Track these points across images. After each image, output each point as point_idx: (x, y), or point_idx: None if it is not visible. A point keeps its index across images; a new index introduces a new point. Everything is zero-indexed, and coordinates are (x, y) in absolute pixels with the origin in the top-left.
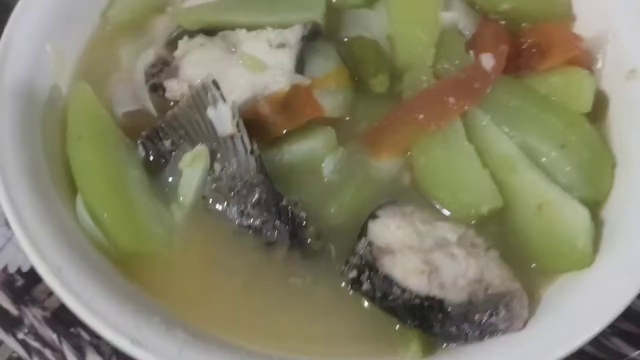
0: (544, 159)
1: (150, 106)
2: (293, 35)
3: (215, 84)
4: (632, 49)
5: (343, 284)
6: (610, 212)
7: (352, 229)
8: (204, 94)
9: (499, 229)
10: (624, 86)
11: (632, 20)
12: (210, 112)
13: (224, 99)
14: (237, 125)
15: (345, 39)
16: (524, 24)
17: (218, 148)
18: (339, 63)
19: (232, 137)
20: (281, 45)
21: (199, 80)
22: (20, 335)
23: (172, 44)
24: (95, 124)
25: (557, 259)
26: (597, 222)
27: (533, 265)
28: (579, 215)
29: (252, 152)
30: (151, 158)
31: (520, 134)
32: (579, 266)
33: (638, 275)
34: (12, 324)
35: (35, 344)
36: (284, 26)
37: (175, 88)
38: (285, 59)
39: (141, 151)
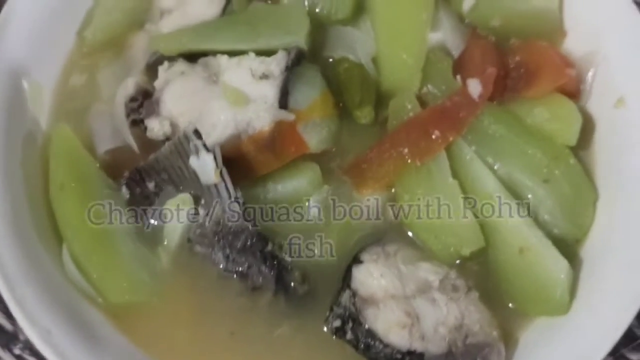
0: (526, 193)
1: (132, 142)
2: (276, 65)
3: (197, 133)
4: (621, 75)
5: (327, 329)
6: (590, 250)
7: (337, 267)
8: (186, 143)
9: (480, 268)
10: (611, 114)
11: (623, 44)
12: (193, 161)
13: (206, 149)
14: (221, 174)
15: (330, 60)
16: (513, 40)
17: (202, 194)
18: (324, 89)
19: (215, 185)
20: (264, 77)
21: (181, 128)
22: (17, 351)
23: (152, 68)
24: (77, 170)
25: (535, 303)
26: (576, 262)
27: (511, 305)
28: (559, 266)
29: (236, 199)
30: (135, 200)
31: (505, 166)
32: (555, 313)
33: (611, 332)
34: (7, 340)
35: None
36: (267, 52)
37: (156, 128)
38: (269, 92)
39: (125, 193)
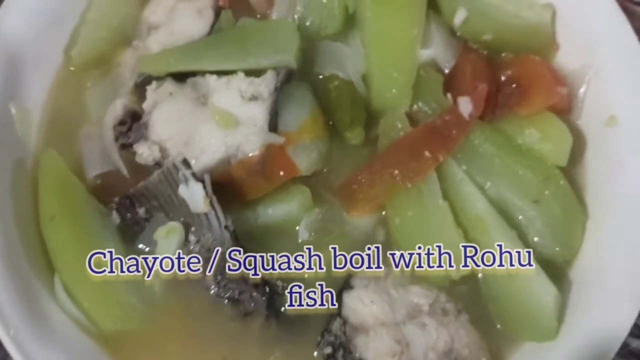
0: (516, 213)
1: (121, 166)
2: (265, 87)
3: (185, 163)
4: (613, 93)
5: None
6: (579, 271)
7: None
8: (175, 173)
9: (470, 290)
10: (602, 132)
11: (616, 61)
12: (182, 191)
13: (195, 178)
14: (211, 202)
15: (320, 76)
16: (505, 54)
17: (192, 221)
18: (314, 109)
19: (205, 213)
20: (253, 98)
21: (170, 153)
22: None
23: (140, 88)
24: (67, 199)
25: (523, 329)
26: (565, 284)
27: (499, 326)
28: (548, 293)
29: (226, 227)
30: (126, 225)
31: (495, 186)
32: (544, 339)
33: (601, 357)
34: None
35: None
36: (257, 72)
37: (145, 153)
38: (258, 114)
39: (115, 218)
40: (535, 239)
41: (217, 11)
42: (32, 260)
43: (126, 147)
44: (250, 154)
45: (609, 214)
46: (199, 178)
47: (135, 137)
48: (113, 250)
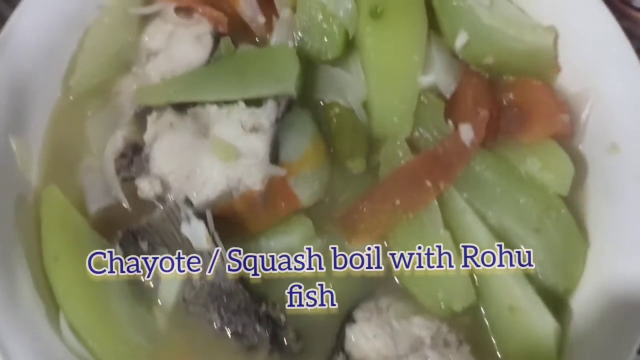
0: (517, 242)
1: (124, 200)
2: (266, 118)
3: (187, 202)
4: (615, 119)
5: None
6: (580, 300)
7: (331, 323)
8: (177, 211)
9: (471, 320)
10: (604, 159)
11: (617, 87)
12: (185, 229)
13: (197, 216)
14: (213, 239)
15: (321, 102)
16: (506, 77)
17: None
18: (315, 138)
19: (208, 250)
20: (254, 130)
21: (172, 187)
22: None
23: (140, 117)
24: (70, 237)
25: None
26: (566, 313)
27: (500, 357)
28: (548, 326)
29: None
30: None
31: (496, 214)
32: None
33: None
34: None
35: None
36: (257, 100)
37: (147, 188)
38: (259, 146)
39: (119, 252)
40: (537, 267)
41: (217, 37)
42: (37, 297)
43: (127, 180)
44: (252, 187)
45: (610, 243)
46: (200, 216)
47: (137, 171)
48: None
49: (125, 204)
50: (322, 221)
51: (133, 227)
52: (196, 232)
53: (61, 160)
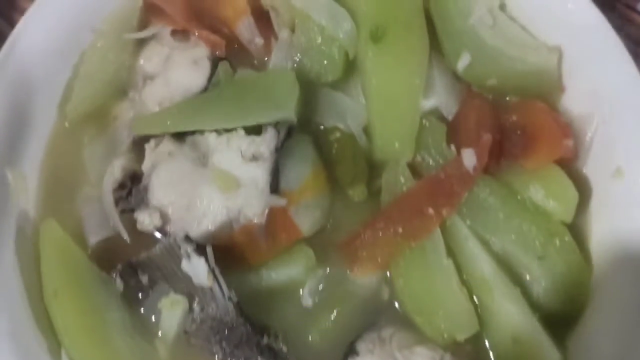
0: (521, 270)
1: (123, 232)
2: (266, 146)
3: (187, 239)
4: (619, 144)
5: None
6: (585, 328)
7: (334, 355)
8: (177, 248)
9: (474, 349)
10: (608, 183)
11: (622, 111)
12: (185, 265)
13: (197, 254)
14: (214, 275)
15: (321, 127)
16: (509, 97)
17: (196, 292)
18: (315, 164)
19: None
20: (254, 159)
21: (171, 218)
22: None
23: (138, 145)
24: (69, 272)
25: None
26: (571, 340)
27: None
28: (552, 357)
29: (230, 298)
30: (130, 291)
31: (500, 241)
32: None
33: None
34: None
35: None
36: (257, 128)
37: (146, 221)
38: (259, 175)
39: (119, 284)
40: (540, 294)
41: (214, 61)
42: (38, 333)
43: (127, 212)
44: (252, 219)
45: (613, 270)
46: (201, 252)
47: (136, 202)
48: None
49: (125, 236)
50: (324, 248)
51: (133, 260)
52: (197, 269)
53: (59, 191)
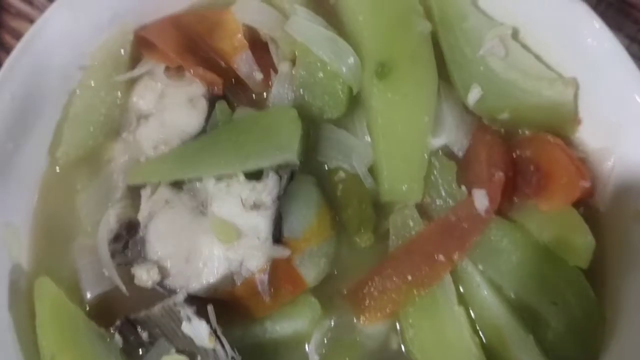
0: (535, 315)
1: (121, 285)
2: (268, 194)
3: (187, 301)
4: (638, 184)
5: None
6: None
7: None
8: (177, 311)
9: None
10: (627, 226)
11: None
12: (186, 327)
13: (198, 316)
14: (216, 335)
15: (326, 167)
16: (522, 130)
17: (198, 351)
18: (320, 207)
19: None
20: (255, 207)
21: (170, 272)
22: None
23: (133, 190)
24: (66, 332)
25: None
26: None
27: None
28: None
29: (233, 358)
30: (129, 346)
31: (513, 286)
32: None
33: None
34: None
35: None
36: (258, 172)
37: (144, 277)
38: (261, 224)
39: (118, 340)
40: (554, 340)
41: (211, 100)
42: None
43: (124, 265)
44: (255, 271)
45: (630, 315)
46: (202, 316)
47: (133, 256)
48: None
49: (123, 289)
50: (330, 296)
51: (131, 317)
52: (198, 331)
53: (53, 242)
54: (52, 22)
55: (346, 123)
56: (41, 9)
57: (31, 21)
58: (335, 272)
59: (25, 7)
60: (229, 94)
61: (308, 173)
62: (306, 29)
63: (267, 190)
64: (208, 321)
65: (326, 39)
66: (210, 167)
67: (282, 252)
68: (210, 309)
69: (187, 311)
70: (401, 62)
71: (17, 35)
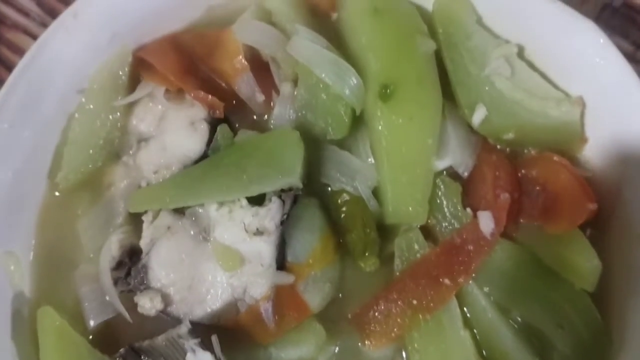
0: (541, 338)
1: (124, 312)
2: (271, 219)
3: (191, 332)
4: None
5: None
6: None
7: None
8: (182, 343)
9: None
10: (634, 247)
11: None
12: (191, 359)
13: (202, 348)
14: None
15: (329, 189)
16: (528, 150)
17: None
18: (323, 231)
19: None
20: (259, 233)
21: (173, 300)
22: None
23: (135, 215)
24: None
25: None
26: None
27: None
28: None
29: None
30: None
31: (519, 309)
32: None
33: None
34: None
35: None
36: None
37: (147, 305)
38: (264, 250)
39: None
40: None
41: (212, 123)
42: None
43: (126, 292)
44: (258, 299)
45: (637, 338)
46: (206, 347)
47: (135, 284)
48: None
49: (126, 316)
50: (335, 321)
51: (135, 345)
52: None
53: (54, 269)
54: (49, 45)
55: (349, 144)
56: (37, 21)
57: (27, 33)
58: (340, 296)
59: (21, 19)
60: (230, 115)
61: (311, 195)
62: (308, 50)
63: (270, 215)
64: (213, 352)
65: (328, 60)
66: (212, 193)
67: (286, 278)
68: (214, 339)
69: (191, 343)
70: (405, 84)
71: (13, 47)
